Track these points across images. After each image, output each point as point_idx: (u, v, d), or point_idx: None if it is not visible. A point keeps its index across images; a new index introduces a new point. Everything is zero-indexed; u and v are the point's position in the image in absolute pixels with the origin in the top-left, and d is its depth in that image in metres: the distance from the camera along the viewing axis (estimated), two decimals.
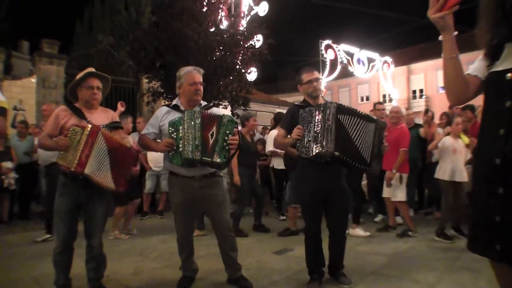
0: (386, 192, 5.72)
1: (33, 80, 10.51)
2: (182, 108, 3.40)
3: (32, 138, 7.51)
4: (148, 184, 7.46)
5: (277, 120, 6.83)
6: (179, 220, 3.52)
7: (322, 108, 3.27)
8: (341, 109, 3.29)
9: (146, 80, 10.62)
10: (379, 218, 6.64)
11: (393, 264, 4.25)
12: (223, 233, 3.49)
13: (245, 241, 5.27)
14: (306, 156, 3.31)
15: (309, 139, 3.28)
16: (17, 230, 6.41)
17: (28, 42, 25.34)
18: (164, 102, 9.99)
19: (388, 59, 20.60)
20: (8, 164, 6.58)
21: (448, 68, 1.74)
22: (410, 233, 5.46)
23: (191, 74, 3.43)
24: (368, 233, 5.64)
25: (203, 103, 3.56)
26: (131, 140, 3.95)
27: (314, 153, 3.24)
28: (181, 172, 3.35)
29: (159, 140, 3.47)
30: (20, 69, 16.77)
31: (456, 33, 1.70)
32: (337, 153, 3.21)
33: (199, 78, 3.45)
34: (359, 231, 5.66)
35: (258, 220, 6.25)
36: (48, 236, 5.48)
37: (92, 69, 3.40)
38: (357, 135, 3.29)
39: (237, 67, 10.26)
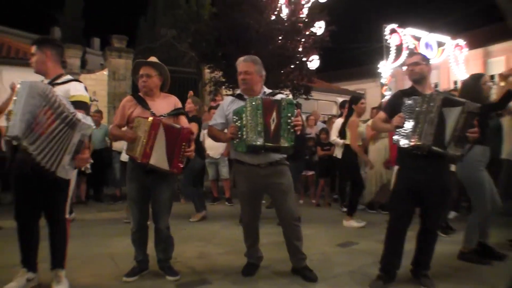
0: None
1: (105, 73, 11.11)
2: (245, 96, 3.43)
3: (106, 126, 7.96)
4: (210, 172, 7.63)
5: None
6: (245, 208, 3.59)
7: (427, 99, 3.08)
8: (447, 102, 3.07)
9: (208, 70, 10.83)
10: (452, 215, 6.29)
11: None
12: (288, 222, 3.47)
13: (308, 231, 5.20)
14: (402, 146, 3.17)
15: (409, 129, 3.12)
16: (92, 211, 6.89)
17: (99, 38, 26.96)
18: (226, 92, 10.17)
19: (461, 41, 19.36)
20: None
21: None
22: None
23: (238, 64, 3.49)
24: (363, 223, 5.68)
25: (268, 90, 3.55)
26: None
27: (411, 145, 3.09)
28: (246, 160, 3.38)
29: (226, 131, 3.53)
30: (93, 64, 17.81)
31: None
32: (435, 148, 3.03)
33: (244, 67, 3.44)
34: (352, 223, 5.69)
35: None
36: None
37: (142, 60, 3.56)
38: (449, 122, 3.07)
39: (298, 55, 10.15)
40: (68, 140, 2.88)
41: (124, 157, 5.44)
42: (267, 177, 3.39)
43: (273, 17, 9.82)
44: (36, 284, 3.17)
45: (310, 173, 7.84)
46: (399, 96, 3.41)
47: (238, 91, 3.60)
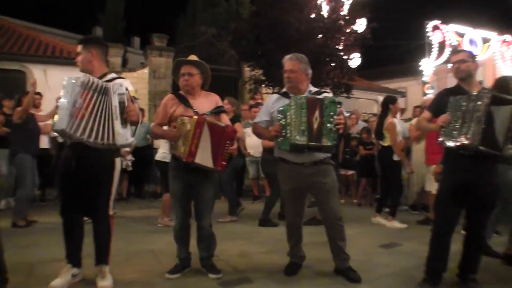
0: (429, 186, 5.52)
1: (146, 71, 11.32)
2: (290, 94, 3.40)
3: (148, 124, 8.08)
4: (251, 170, 7.64)
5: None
6: (288, 207, 3.57)
7: (473, 97, 2.96)
8: (496, 100, 2.93)
9: (248, 69, 10.83)
10: None
11: None
12: (331, 221, 3.41)
13: (350, 231, 5.08)
14: (448, 146, 3.05)
15: (455, 128, 3.00)
16: (133, 207, 7.03)
17: (139, 38, 27.64)
18: (266, 90, 10.14)
19: (508, 37, 18.43)
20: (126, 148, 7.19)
21: None
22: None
23: (284, 62, 3.48)
24: (405, 225, 5.58)
25: (313, 89, 3.51)
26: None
27: (457, 145, 2.97)
28: (290, 159, 3.36)
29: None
30: (133, 62, 18.24)
31: None
32: (482, 148, 2.89)
33: (290, 65, 3.42)
34: (395, 223, 5.59)
35: (265, 214, 5.74)
36: None
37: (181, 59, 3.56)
38: (498, 121, 2.93)
39: (339, 53, 9.99)
40: (109, 107, 2.90)
41: (160, 156, 5.47)
42: (311, 176, 3.34)
43: (313, 15, 9.70)
44: (81, 279, 3.24)
45: (350, 172, 7.70)
46: (445, 94, 3.29)
47: (284, 89, 3.57)
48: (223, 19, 17.56)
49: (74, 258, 3.20)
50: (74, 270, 3.18)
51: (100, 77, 3.14)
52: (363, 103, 16.82)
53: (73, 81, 2.85)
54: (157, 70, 11.40)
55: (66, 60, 11.16)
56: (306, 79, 3.47)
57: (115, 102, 2.91)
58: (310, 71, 3.48)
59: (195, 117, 3.21)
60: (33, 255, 3.99)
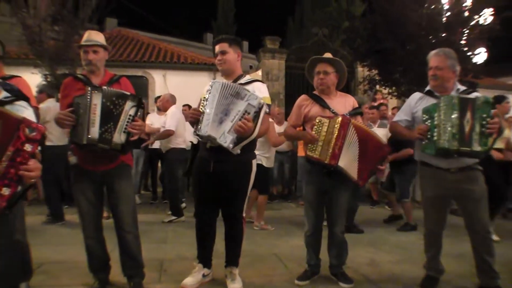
0: None
1: (259, 73, 11.56)
2: (436, 93, 3.15)
3: None
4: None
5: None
6: (428, 215, 3.30)
7: None
8: None
9: (361, 69, 10.50)
10: None
11: None
12: (479, 234, 3.08)
13: None
14: None
15: None
16: (253, 209, 7.04)
17: (247, 41, 28.54)
18: (381, 90, 9.71)
19: None
20: None
21: None
22: None
23: (429, 58, 3.24)
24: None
25: (461, 88, 3.21)
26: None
27: None
28: (434, 163, 3.11)
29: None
30: (242, 65, 18.81)
31: None
32: None
33: (436, 62, 3.15)
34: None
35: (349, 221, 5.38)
36: (174, 218, 5.72)
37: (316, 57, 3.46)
38: None
39: (463, 48, 9.18)
40: (235, 110, 2.84)
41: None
42: (457, 183, 3.06)
43: (433, 7, 9.04)
44: (211, 279, 3.32)
45: None
46: None
47: (428, 88, 3.31)
48: (333, 19, 17.27)
49: (205, 258, 3.29)
50: (204, 270, 3.26)
51: (237, 78, 3.16)
52: None
53: (219, 87, 2.90)
54: (270, 72, 11.57)
55: (182, 65, 12.20)
56: (454, 76, 3.19)
57: (241, 107, 2.85)
58: (458, 68, 3.20)
59: (340, 117, 3.11)
60: (162, 252, 4.20)
